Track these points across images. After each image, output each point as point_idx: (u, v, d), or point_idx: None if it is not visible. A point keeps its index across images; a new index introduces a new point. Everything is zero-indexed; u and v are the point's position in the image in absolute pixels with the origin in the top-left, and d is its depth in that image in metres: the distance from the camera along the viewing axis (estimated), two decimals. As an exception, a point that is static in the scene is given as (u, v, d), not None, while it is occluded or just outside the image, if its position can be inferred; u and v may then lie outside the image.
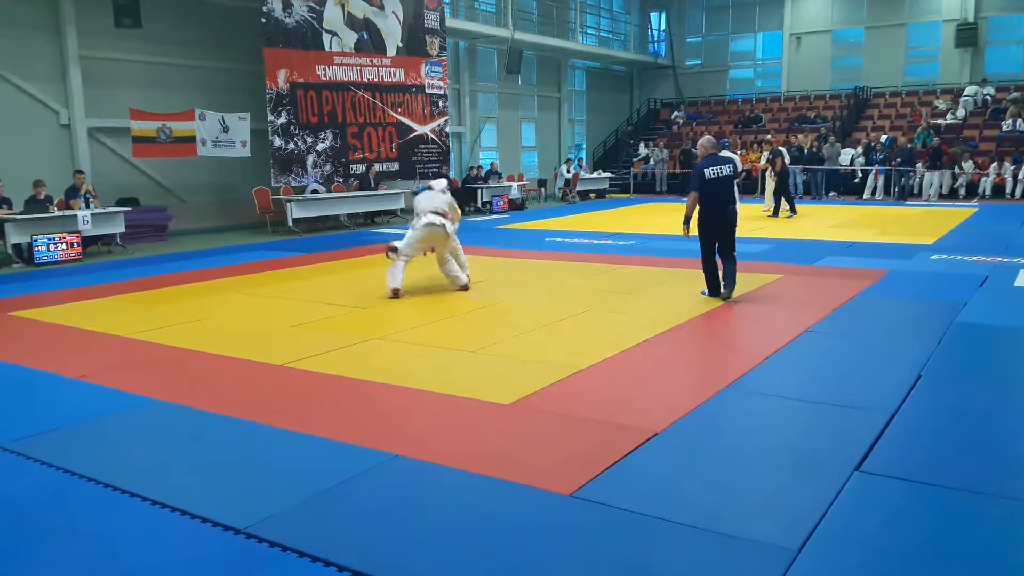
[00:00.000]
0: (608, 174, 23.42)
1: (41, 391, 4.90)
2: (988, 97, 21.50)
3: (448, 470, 3.49)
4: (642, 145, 24.95)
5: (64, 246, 10.89)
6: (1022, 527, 2.96)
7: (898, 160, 19.02)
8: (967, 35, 22.47)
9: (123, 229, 12.15)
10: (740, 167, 14.80)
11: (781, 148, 16.24)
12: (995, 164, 18.65)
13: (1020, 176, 18.13)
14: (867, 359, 5.19)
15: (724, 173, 7.15)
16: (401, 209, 16.30)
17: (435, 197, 7.88)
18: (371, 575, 2.65)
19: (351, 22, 15.69)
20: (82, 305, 7.69)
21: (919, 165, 19.02)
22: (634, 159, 24.41)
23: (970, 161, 18.90)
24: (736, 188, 14.43)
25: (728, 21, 27.01)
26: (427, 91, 17.43)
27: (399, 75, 16.76)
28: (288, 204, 14.02)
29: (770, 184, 15.67)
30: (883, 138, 20.39)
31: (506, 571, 2.67)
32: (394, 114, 16.73)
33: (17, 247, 10.77)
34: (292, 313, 7.06)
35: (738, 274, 7.77)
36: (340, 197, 15.23)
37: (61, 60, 12.86)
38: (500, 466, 3.52)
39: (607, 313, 6.82)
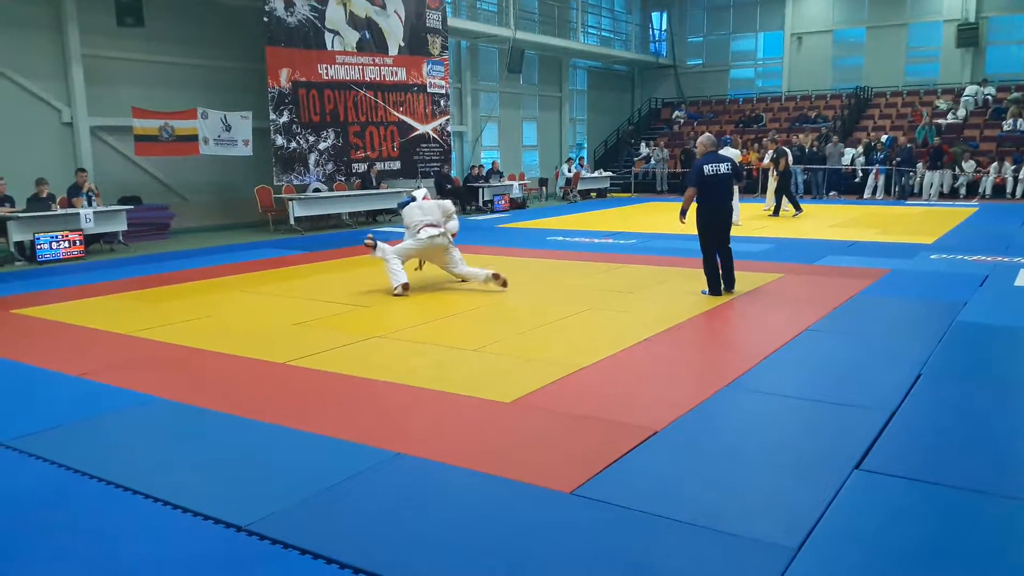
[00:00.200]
0: (609, 173, 23.44)
1: (43, 389, 4.92)
2: (989, 97, 21.49)
3: (449, 468, 3.50)
4: (643, 144, 24.96)
5: (66, 244, 10.91)
6: (1022, 526, 2.97)
7: (898, 160, 19.01)
8: (968, 35, 22.46)
9: (125, 227, 12.17)
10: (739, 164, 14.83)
11: (785, 148, 16.23)
12: (995, 164, 18.65)
13: (1020, 176, 18.12)
14: (867, 358, 5.20)
15: (722, 171, 7.27)
16: (402, 208, 16.29)
17: (425, 208, 7.86)
18: (372, 573, 2.66)
19: (353, 21, 15.71)
20: (84, 303, 7.70)
21: (919, 165, 19.02)
22: (635, 158, 24.41)
23: (971, 161, 18.89)
24: (736, 187, 14.45)
25: (729, 21, 27.00)
26: (429, 90, 17.45)
27: (401, 74, 16.77)
28: (290, 203, 14.04)
29: (772, 183, 15.68)
30: (884, 138, 20.38)
31: (507, 569, 2.68)
32: (396, 113, 16.74)
33: (20, 245, 10.79)
34: (294, 311, 7.07)
35: (739, 273, 7.81)
36: (342, 196, 15.25)
37: (63, 58, 12.88)
38: (501, 464, 3.53)
39: (608, 312, 6.83)
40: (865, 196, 19.35)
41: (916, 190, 19.10)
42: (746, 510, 3.07)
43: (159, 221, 13.47)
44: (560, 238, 12.33)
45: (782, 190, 15.10)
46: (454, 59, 19.98)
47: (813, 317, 6.34)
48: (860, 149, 20.49)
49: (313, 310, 7.13)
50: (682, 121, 25.71)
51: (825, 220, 14.25)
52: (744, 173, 15.45)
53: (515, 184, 19.23)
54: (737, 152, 14.75)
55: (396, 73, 16.67)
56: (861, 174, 19.98)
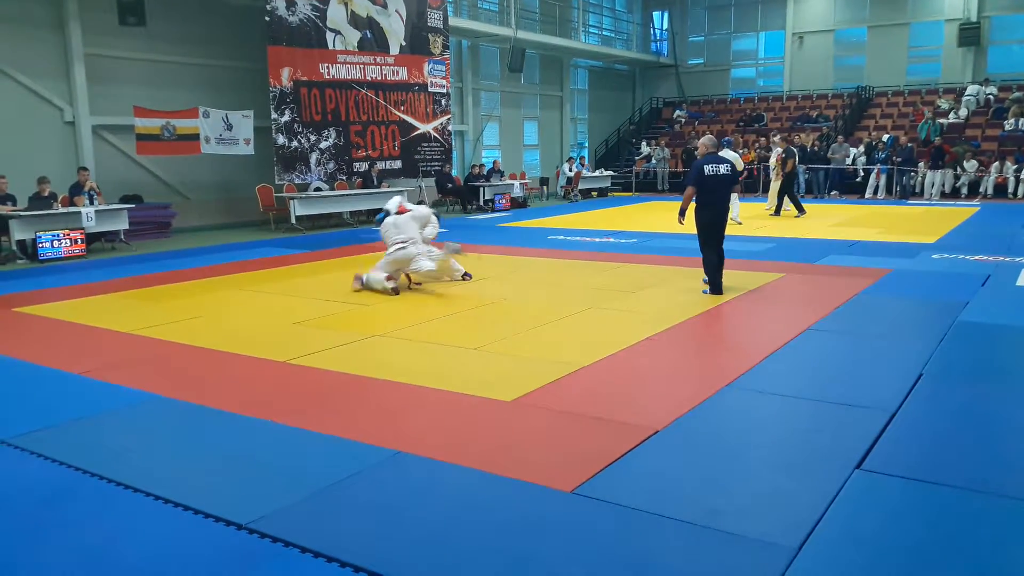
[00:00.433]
0: (610, 173, 23.43)
1: (44, 387, 4.92)
2: (990, 96, 21.47)
3: (450, 466, 3.51)
4: (644, 144, 24.95)
5: (68, 243, 10.92)
6: (1022, 526, 2.97)
7: (898, 159, 18.98)
8: (970, 34, 22.45)
9: (127, 226, 12.18)
10: (741, 166, 14.84)
11: (795, 149, 16.23)
12: (997, 163, 18.64)
13: (1022, 176, 18.11)
14: (868, 358, 5.21)
15: (722, 172, 7.37)
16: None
17: (400, 224, 7.86)
18: (373, 571, 2.67)
19: (354, 20, 15.71)
20: (86, 301, 7.71)
21: (921, 164, 19.01)
22: (636, 158, 24.41)
23: (973, 160, 18.88)
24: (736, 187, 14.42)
25: (730, 20, 26.99)
26: (430, 89, 17.44)
27: (402, 73, 16.77)
28: (291, 202, 14.04)
29: (775, 183, 15.70)
30: (885, 137, 20.37)
31: (507, 567, 2.69)
32: (397, 112, 16.74)
33: (21, 243, 10.80)
34: (295, 310, 7.08)
35: (740, 272, 7.84)
36: (343, 195, 15.25)
37: (65, 57, 12.89)
38: (501, 463, 3.53)
39: (608, 311, 6.83)
40: (866, 196, 19.33)
41: (917, 190, 19.08)
42: (746, 510, 3.07)
43: (160, 220, 13.48)
44: (561, 237, 12.33)
45: (785, 190, 15.09)
46: (455, 58, 19.97)
47: (814, 317, 6.34)
48: (861, 149, 20.48)
49: (314, 309, 7.14)
50: (683, 121, 25.70)
51: (826, 220, 14.24)
52: (744, 172, 15.49)
53: (516, 183, 19.23)
54: (737, 155, 14.73)
55: (397, 72, 16.67)
56: (862, 174, 19.97)
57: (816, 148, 20.34)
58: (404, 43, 16.76)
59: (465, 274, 8.32)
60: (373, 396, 4.62)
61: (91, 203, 11.68)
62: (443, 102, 17.86)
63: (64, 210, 11.24)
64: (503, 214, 17.17)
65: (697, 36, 27.79)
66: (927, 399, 4.36)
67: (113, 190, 13.14)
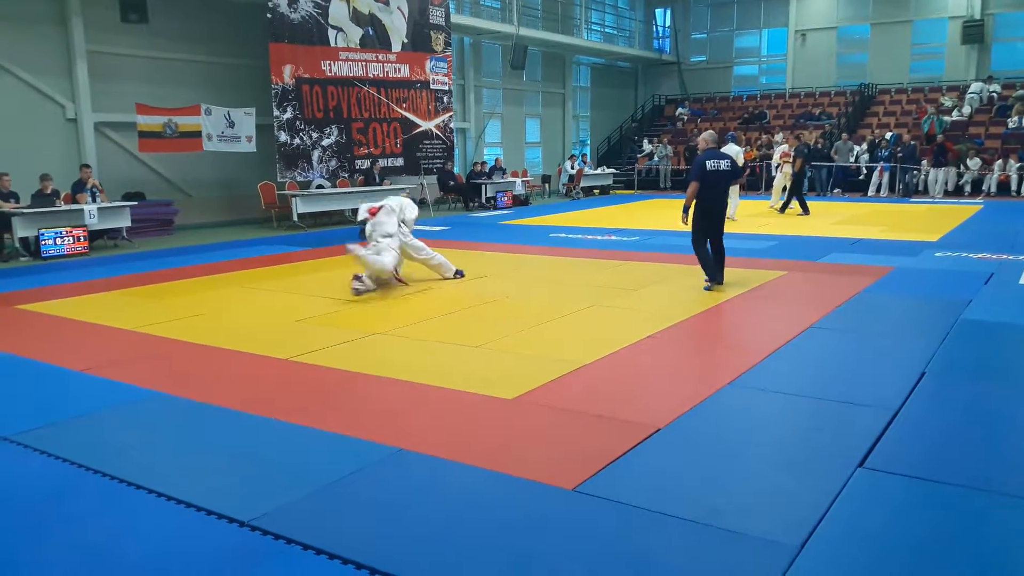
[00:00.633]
0: (612, 170, 23.40)
1: (47, 384, 4.93)
2: (994, 94, 21.43)
3: (451, 464, 3.51)
4: (646, 141, 24.93)
5: (71, 240, 10.94)
6: (1024, 524, 2.97)
7: (900, 156, 18.93)
8: (973, 32, 22.38)
9: (129, 223, 12.19)
10: (742, 162, 14.82)
11: (803, 147, 16.20)
12: (1000, 161, 18.60)
13: (1026, 174, 18.08)
14: (871, 356, 5.20)
15: (723, 167, 7.49)
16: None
17: (378, 225, 7.86)
18: (375, 568, 2.67)
19: (356, 18, 15.70)
20: (88, 299, 7.72)
21: (924, 162, 18.97)
22: (638, 155, 24.39)
23: (976, 158, 18.84)
24: (737, 184, 14.44)
25: (733, 17, 26.95)
26: (432, 87, 17.44)
27: (404, 71, 16.76)
28: (293, 199, 14.05)
29: (780, 180, 15.70)
30: (888, 135, 20.34)
31: (508, 564, 2.69)
32: (399, 110, 16.73)
33: (24, 241, 10.82)
34: (297, 307, 7.08)
35: (742, 270, 7.83)
36: (345, 192, 15.25)
37: (68, 54, 12.90)
38: (503, 460, 3.53)
39: (610, 309, 6.83)
40: (869, 193, 19.30)
41: (920, 188, 19.05)
42: (748, 508, 3.06)
43: (163, 217, 13.49)
44: (563, 235, 12.32)
45: (795, 189, 15.03)
46: (457, 55, 19.96)
47: (816, 315, 6.33)
48: (864, 146, 20.45)
49: (316, 306, 7.14)
50: (685, 118, 25.67)
51: (829, 217, 14.22)
52: (747, 170, 15.47)
53: (518, 181, 19.22)
54: (740, 151, 14.71)
55: (399, 69, 16.67)
56: (865, 171, 19.94)
57: (820, 145, 20.32)
58: (406, 40, 16.75)
59: (458, 272, 8.33)
60: (375, 394, 4.62)
61: (93, 200, 11.69)
62: (445, 99, 17.86)
63: (67, 207, 11.25)
64: (505, 212, 17.17)
65: (700, 33, 27.75)
66: (930, 397, 4.35)
67: (115, 187, 13.15)
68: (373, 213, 7.98)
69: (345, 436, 3.87)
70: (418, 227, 13.84)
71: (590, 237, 11.94)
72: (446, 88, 17.87)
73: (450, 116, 18.10)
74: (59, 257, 10.72)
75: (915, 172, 19.00)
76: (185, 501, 3.17)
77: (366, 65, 15.93)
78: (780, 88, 25.93)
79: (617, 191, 22.86)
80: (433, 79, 17.45)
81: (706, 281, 7.55)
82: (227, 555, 2.79)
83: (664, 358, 5.43)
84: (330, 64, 15.21)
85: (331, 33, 15.22)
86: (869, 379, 4.67)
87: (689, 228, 7.63)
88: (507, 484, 3.31)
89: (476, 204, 18.19)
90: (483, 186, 18.24)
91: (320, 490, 3.27)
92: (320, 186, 15.22)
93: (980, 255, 9.27)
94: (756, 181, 19.98)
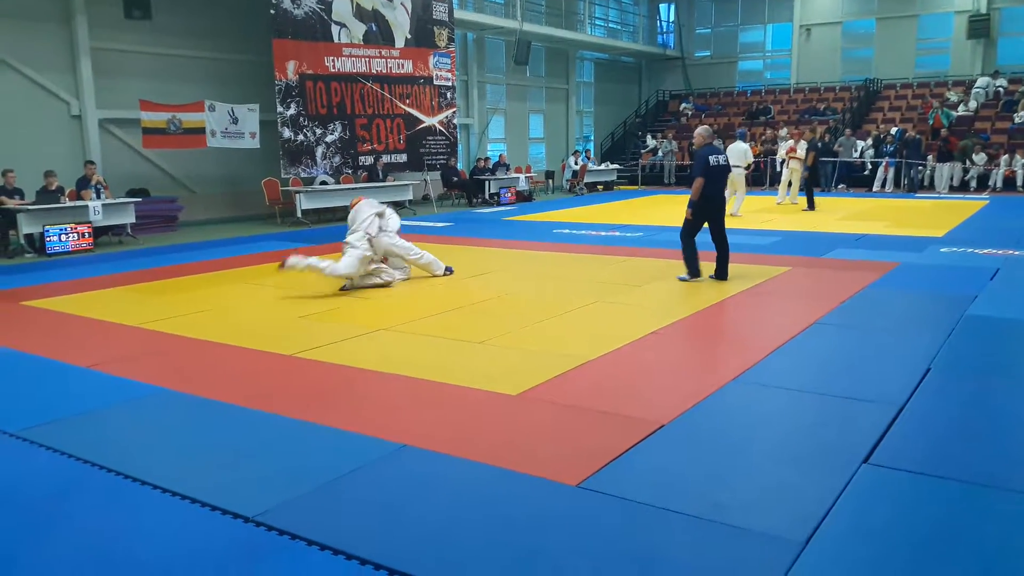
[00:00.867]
0: (616, 166, 23.35)
1: (52, 380, 4.94)
2: (1000, 89, 21.33)
3: (455, 460, 3.51)
4: (650, 137, 24.87)
5: (75, 236, 10.96)
6: (1030, 520, 2.96)
7: (904, 151, 18.86)
8: (979, 26, 22.27)
9: (134, 220, 12.22)
10: (751, 158, 14.79)
11: (816, 141, 16.16)
12: (1006, 156, 18.51)
13: (1032, 169, 18.00)
14: (876, 352, 5.18)
15: (722, 162, 7.62)
16: (409, 200, 16.32)
17: (353, 217, 7.86)
18: (379, 563, 2.67)
19: (360, 13, 15.68)
20: (93, 295, 7.74)
21: (930, 157, 18.90)
22: (642, 151, 24.34)
23: (982, 153, 18.77)
24: (744, 179, 14.44)
25: (737, 12, 26.87)
26: (435, 83, 17.42)
27: (407, 67, 16.75)
28: (297, 195, 14.05)
29: (787, 174, 15.68)
30: (893, 130, 20.27)
31: (512, 560, 2.69)
32: (402, 106, 16.72)
33: (29, 237, 10.85)
34: (300, 304, 7.09)
35: (747, 266, 7.82)
36: (349, 189, 15.24)
37: (72, 51, 12.91)
38: (507, 456, 3.53)
39: (614, 305, 6.82)
40: (874, 189, 19.24)
41: (926, 183, 18.98)
42: (753, 504, 3.06)
43: (167, 213, 13.51)
44: (566, 231, 12.31)
45: (809, 183, 14.98)
46: (460, 51, 19.94)
47: (821, 311, 6.32)
48: (869, 142, 20.38)
49: (319, 303, 7.15)
50: (690, 113, 25.61)
51: (833, 213, 14.18)
52: (752, 166, 15.45)
53: (521, 177, 19.20)
54: (748, 147, 14.69)
55: (402, 65, 16.65)
56: (870, 167, 19.88)
57: (827, 140, 20.26)
58: (409, 36, 16.73)
59: (447, 268, 8.36)
60: (379, 390, 4.62)
61: (98, 197, 11.71)
62: (448, 95, 17.84)
63: (71, 204, 11.28)
64: (508, 208, 17.15)
65: (704, 28, 27.68)
66: (935, 393, 4.34)
67: (120, 184, 13.18)
68: (353, 205, 7.99)
69: (349, 432, 3.87)
70: (422, 223, 13.91)
71: (594, 233, 11.93)
72: (449, 84, 17.85)
73: (453, 112, 18.09)
74: (64, 253, 10.74)
75: (920, 167, 18.93)
76: (190, 497, 3.18)
77: (369, 61, 15.92)
78: (784, 83, 25.85)
79: (621, 187, 22.82)
80: (436, 75, 17.42)
81: (707, 277, 7.58)
82: (232, 551, 2.79)
83: (668, 354, 5.42)
84: (333, 60, 15.20)
85: (334, 29, 15.21)
86: (874, 375, 4.66)
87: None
88: (511, 480, 3.31)
89: (479, 200, 18.17)
90: (486, 182, 18.22)
91: (324, 486, 3.27)
92: (324, 182, 15.22)
93: (986, 251, 9.23)
94: (760, 177, 19.92)
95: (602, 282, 7.85)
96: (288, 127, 14.46)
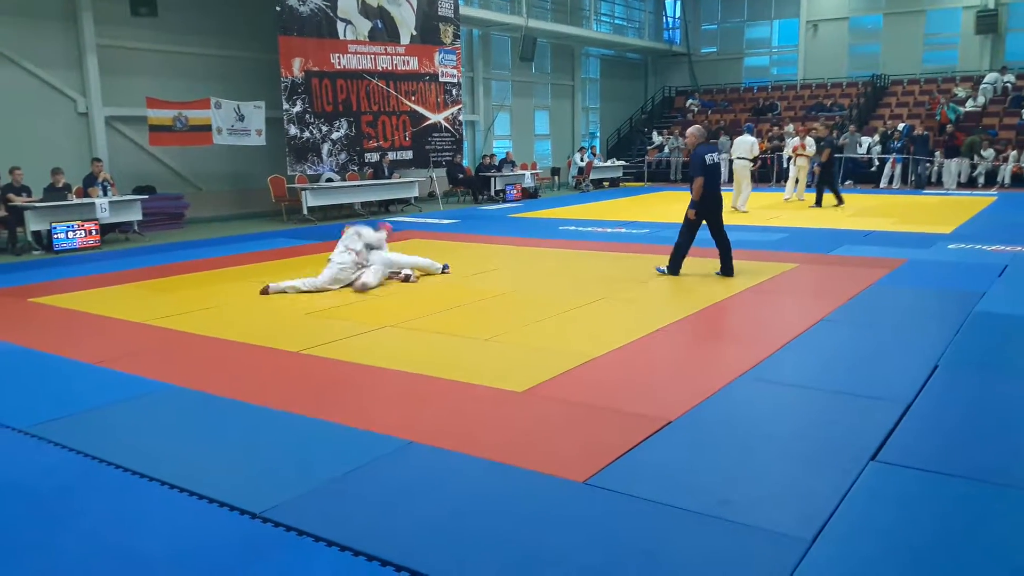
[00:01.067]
0: (622, 162, 23.31)
1: (60, 376, 4.96)
2: (1008, 85, 21.20)
3: (462, 457, 3.51)
4: (656, 133, 24.82)
5: (83, 234, 11.00)
6: (1039, 518, 2.94)
7: (912, 147, 18.77)
8: (987, 21, 22.15)
9: (140, 217, 12.25)
10: (757, 153, 14.75)
11: (833, 138, 16.07)
12: (1015, 152, 18.41)
13: (1040, 165, 17.90)
14: (883, 349, 5.16)
15: (718, 159, 7.76)
16: (415, 197, 16.33)
17: (342, 264, 7.88)
18: (386, 559, 2.67)
19: (365, 10, 15.68)
20: (100, 292, 7.76)
21: (937, 153, 18.81)
22: (648, 147, 24.28)
23: (990, 149, 18.67)
24: (749, 174, 14.43)
25: (744, 8, 26.76)
26: (441, 79, 17.40)
27: (413, 63, 16.74)
28: (303, 192, 14.07)
29: (794, 172, 15.63)
30: (901, 126, 20.17)
31: (519, 557, 2.69)
32: (408, 102, 16.72)
33: (37, 234, 10.89)
34: (306, 301, 7.10)
35: (753, 263, 7.81)
36: (354, 186, 15.27)
37: (78, 48, 12.94)
38: (513, 453, 3.53)
39: (620, 302, 6.81)
40: (881, 185, 19.17)
41: (933, 179, 18.89)
42: (760, 501, 3.05)
43: (173, 211, 13.54)
44: (573, 228, 12.30)
45: (825, 180, 14.89)
46: (466, 48, 19.92)
47: (828, 307, 6.29)
48: (876, 138, 20.29)
49: (325, 299, 7.16)
50: (696, 110, 25.54)
51: (840, 209, 14.14)
52: (758, 161, 15.41)
53: (527, 173, 19.18)
54: (755, 141, 14.64)
55: (408, 62, 16.64)
56: (877, 163, 19.79)
57: (833, 136, 20.19)
58: (415, 32, 16.72)
59: (444, 267, 8.34)
60: (385, 386, 4.62)
61: (105, 194, 11.74)
62: (454, 92, 17.82)
63: (78, 201, 11.32)
64: (514, 204, 17.14)
65: (710, 24, 27.59)
66: (943, 390, 4.32)
67: (126, 181, 13.22)
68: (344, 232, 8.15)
69: (355, 429, 3.88)
70: (427, 220, 13.91)
71: (600, 230, 11.91)
72: (455, 81, 17.83)
73: (459, 109, 18.07)
74: (71, 251, 10.78)
75: (928, 164, 18.84)
76: (197, 492, 3.18)
77: (375, 58, 15.92)
78: (791, 79, 25.76)
79: (627, 183, 22.78)
80: (442, 72, 17.41)
81: (665, 270, 7.82)
82: (239, 547, 2.80)
83: (675, 351, 5.41)
84: (339, 57, 15.21)
85: (340, 26, 15.21)
86: (881, 372, 4.64)
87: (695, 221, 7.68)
88: (518, 477, 3.31)
89: (485, 197, 18.17)
90: (492, 179, 18.21)
91: (330, 482, 3.27)
92: (330, 179, 15.24)
93: (994, 247, 9.19)
94: (767, 173, 19.85)
95: (608, 279, 7.84)
96: (294, 124, 14.47)
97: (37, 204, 10.88)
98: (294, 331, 5.97)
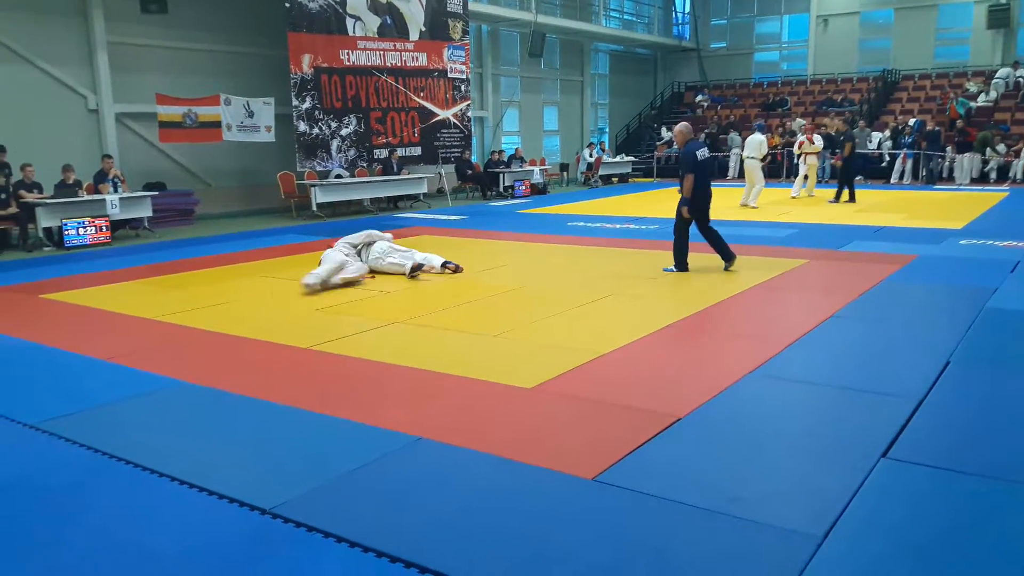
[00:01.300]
0: (631, 158, 23.23)
1: (70, 372, 4.99)
2: (1021, 79, 21.01)
3: (471, 453, 3.51)
4: (665, 129, 24.73)
5: (93, 230, 11.05)
6: (1052, 516, 2.92)
7: (923, 142, 18.63)
8: (1000, 16, 21.95)
9: (150, 213, 12.30)
10: (766, 150, 14.68)
11: (854, 132, 15.98)
12: (1028, 148, 18.27)
13: (1053, 160, 17.74)
14: (894, 345, 5.13)
15: (707, 155, 7.87)
16: (424, 194, 16.33)
17: (340, 263, 7.90)
18: (395, 555, 2.68)
19: (374, 6, 15.68)
20: (110, 288, 7.80)
21: (949, 149, 18.68)
22: (657, 143, 24.20)
23: (1002, 144, 18.52)
24: (760, 171, 14.37)
25: (754, 3, 26.63)
26: (449, 75, 17.39)
27: (422, 59, 16.73)
28: (312, 189, 14.09)
29: (803, 168, 15.56)
30: (912, 121, 20.04)
31: (529, 553, 2.68)
32: (417, 99, 16.72)
33: (48, 231, 10.95)
34: (316, 297, 7.11)
35: (763, 259, 7.78)
36: (364, 182, 15.28)
37: (88, 45, 12.99)
38: (522, 450, 3.53)
39: (629, 298, 6.79)
40: (892, 181, 19.05)
41: (944, 175, 18.76)
42: (770, 498, 3.04)
43: (183, 207, 13.59)
44: (581, 224, 12.28)
45: (845, 175, 14.81)
46: (475, 44, 19.90)
47: (839, 303, 6.26)
48: (887, 133, 20.16)
49: (335, 296, 7.17)
50: (705, 105, 25.43)
51: (851, 205, 14.06)
52: (768, 157, 15.34)
53: (536, 169, 19.15)
54: (764, 138, 14.57)
55: (417, 58, 16.64)
56: (888, 158, 19.67)
57: (844, 131, 20.07)
58: (424, 29, 16.71)
59: (445, 263, 8.22)
60: (394, 382, 4.63)
61: (115, 191, 11.79)
62: (463, 88, 17.81)
63: (89, 198, 11.37)
64: (523, 200, 17.12)
65: (720, 19, 27.46)
66: (954, 387, 4.29)
67: (137, 178, 13.27)
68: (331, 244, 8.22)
69: (365, 425, 3.88)
70: (436, 216, 13.91)
71: (609, 226, 11.89)
72: (464, 76, 17.82)
73: (468, 105, 18.06)
74: (82, 247, 10.83)
75: (939, 159, 18.71)
76: (207, 488, 3.19)
77: (384, 54, 15.92)
78: (801, 75, 25.61)
79: (636, 179, 22.71)
80: (451, 67, 17.40)
81: (673, 269, 7.86)
82: (248, 543, 2.81)
83: (684, 347, 5.39)
84: (348, 53, 15.22)
85: (349, 22, 15.22)
86: (892, 368, 4.61)
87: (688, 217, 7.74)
88: (526, 473, 3.30)
89: (494, 193, 18.16)
90: (501, 175, 18.19)
91: (340, 478, 3.28)
92: (339, 176, 15.26)
93: (1006, 243, 9.12)
94: (777, 169, 19.76)
95: (617, 275, 7.82)
96: (303, 120, 14.50)
97: (48, 201, 10.94)
98: (304, 327, 5.98)
